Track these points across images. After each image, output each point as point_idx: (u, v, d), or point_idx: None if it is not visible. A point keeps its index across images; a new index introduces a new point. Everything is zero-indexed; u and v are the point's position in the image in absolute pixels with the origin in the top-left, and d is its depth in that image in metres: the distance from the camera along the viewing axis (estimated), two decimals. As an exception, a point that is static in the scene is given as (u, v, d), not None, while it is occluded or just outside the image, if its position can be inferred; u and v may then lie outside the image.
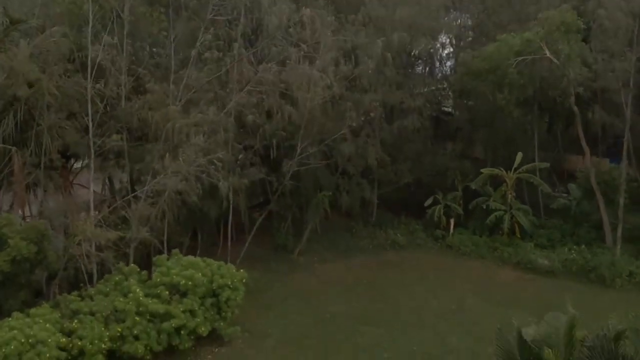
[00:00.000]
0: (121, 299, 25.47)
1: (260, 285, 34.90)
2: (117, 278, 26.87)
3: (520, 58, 34.55)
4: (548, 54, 34.53)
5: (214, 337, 29.61)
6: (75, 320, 23.99)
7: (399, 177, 41.17)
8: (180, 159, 24.80)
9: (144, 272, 27.64)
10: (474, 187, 41.25)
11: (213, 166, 25.36)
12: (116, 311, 25.26)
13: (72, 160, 34.51)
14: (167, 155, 25.23)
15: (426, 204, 42.67)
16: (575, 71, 34.88)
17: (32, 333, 21.67)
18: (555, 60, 34.66)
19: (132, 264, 27.52)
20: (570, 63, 34.46)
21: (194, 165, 25.16)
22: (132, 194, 27.26)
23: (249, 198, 39.03)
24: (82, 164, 32.62)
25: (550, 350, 11.73)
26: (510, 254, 38.01)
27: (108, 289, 26.42)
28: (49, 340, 21.86)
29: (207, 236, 36.70)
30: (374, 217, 44.20)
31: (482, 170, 40.24)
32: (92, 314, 24.74)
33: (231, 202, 32.22)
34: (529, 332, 12.83)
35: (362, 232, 42.68)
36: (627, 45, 34.53)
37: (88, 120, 26.46)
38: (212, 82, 29.04)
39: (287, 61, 29.42)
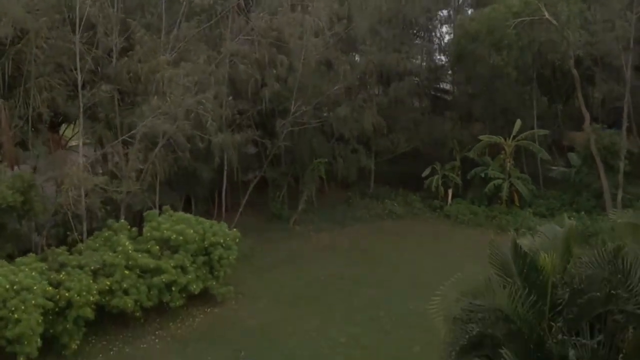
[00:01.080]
0: (110, 254, 24.93)
1: (255, 252, 34.44)
2: (106, 234, 26.35)
3: (518, 19, 33.94)
4: (547, 15, 33.92)
5: (206, 297, 29.16)
6: (63, 272, 23.42)
7: (395, 146, 40.56)
8: (169, 98, 24.17)
9: (134, 229, 27.10)
10: (472, 156, 40.71)
11: (202, 106, 24.69)
12: (105, 265, 24.71)
13: (63, 127, 34.06)
14: (155, 97, 24.62)
15: (424, 174, 42.13)
16: (575, 34, 34.26)
17: (17, 280, 21.11)
18: (554, 22, 34.04)
19: (122, 220, 26.93)
20: (570, 25, 33.83)
21: (183, 106, 24.48)
22: (122, 137, 26.58)
23: (244, 171, 38.61)
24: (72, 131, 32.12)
25: (545, 255, 11.21)
26: (509, 221, 37.46)
27: (97, 245, 25.88)
28: (35, 287, 21.29)
29: (200, 203, 36.19)
30: (371, 189, 43.75)
31: (480, 137, 39.66)
32: (81, 267, 24.17)
33: (225, 166, 31.69)
34: (524, 243, 12.30)
35: (359, 204, 42.27)
36: (627, 5, 33.91)
37: (77, 73, 25.89)
38: (203, 32, 28.41)
39: (279, 8, 28.71)
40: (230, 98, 30.33)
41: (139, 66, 26.13)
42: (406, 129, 41.45)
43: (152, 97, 26.53)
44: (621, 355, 10.71)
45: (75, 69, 26.27)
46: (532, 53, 37.31)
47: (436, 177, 41.42)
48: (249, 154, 36.89)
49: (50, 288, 21.97)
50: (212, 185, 35.17)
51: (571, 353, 10.27)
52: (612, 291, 10.61)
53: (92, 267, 24.28)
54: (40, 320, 21.37)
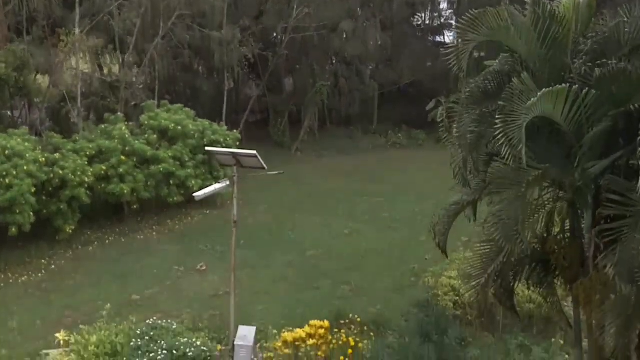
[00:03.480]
0: (107, 141, 24.18)
1: (255, 172, 33.66)
2: (103, 126, 25.55)
3: None
4: None
5: (206, 201, 28.44)
6: (58, 154, 22.66)
7: (400, 76, 39.69)
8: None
9: (132, 123, 26.32)
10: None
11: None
12: (101, 153, 23.98)
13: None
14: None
15: (428, 107, 41.10)
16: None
17: (8, 145, 20.36)
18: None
19: (120, 114, 26.10)
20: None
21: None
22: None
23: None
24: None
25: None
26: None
27: (93, 136, 25.05)
28: (28, 155, 20.54)
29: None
30: (374, 126, 42.86)
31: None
32: (76, 151, 23.39)
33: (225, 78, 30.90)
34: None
35: (363, 138, 41.43)
36: None
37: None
38: None
39: None
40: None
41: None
42: (410, 59, 40.36)
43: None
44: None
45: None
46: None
47: (441, 108, 40.45)
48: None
49: (43, 159, 21.20)
50: (214, 104, 34.34)
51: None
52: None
53: (88, 153, 23.53)
54: (32, 190, 20.61)
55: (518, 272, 10.99)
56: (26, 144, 21.11)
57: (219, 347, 14.01)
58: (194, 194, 15.09)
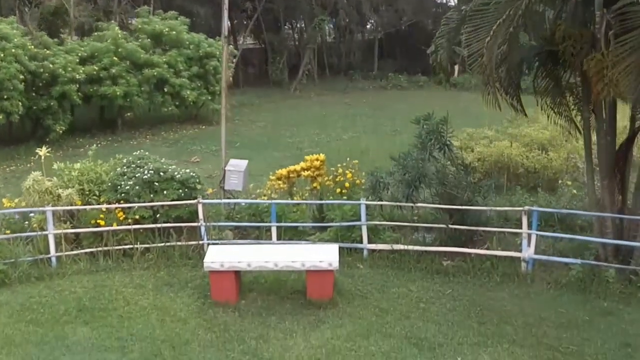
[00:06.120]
0: (99, 43, 23.53)
1: (254, 104, 33.14)
2: (95, 33, 24.90)
3: None
4: None
5: (202, 117, 27.99)
6: (47, 50, 22.00)
7: (401, 17, 38.99)
8: None
9: (126, 33, 25.64)
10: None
11: None
12: (93, 56, 23.33)
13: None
14: None
15: (429, 50, 40.45)
16: None
17: (-7, 28, 19.74)
18: None
19: (114, 23, 25.43)
20: None
21: None
22: None
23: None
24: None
25: None
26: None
27: (86, 44, 24.39)
28: (15, 40, 19.89)
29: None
30: (375, 70, 42.19)
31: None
32: (67, 52, 22.75)
33: None
34: None
35: (363, 82, 40.80)
36: None
37: None
38: None
39: None
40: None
41: None
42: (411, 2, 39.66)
43: None
44: None
45: None
46: None
47: (442, 51, 39.75)
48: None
49: (32, 47, 20.55)
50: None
51: None
52: None
53: (79, 54, 22.89)
54: (21, 78, 19.97)
55: (524, 60, 10.35)
56: (14, 31, 20.43)
57: (210, 190, 13.38)
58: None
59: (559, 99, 10.89)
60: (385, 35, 41.81)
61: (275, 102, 33.64)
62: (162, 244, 11.35)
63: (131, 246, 11.29)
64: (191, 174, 12.17)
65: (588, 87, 10.03)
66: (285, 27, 38.10)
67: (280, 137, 24.35)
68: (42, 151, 11.92)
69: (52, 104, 21.45)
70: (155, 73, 23.56)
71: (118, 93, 22.79)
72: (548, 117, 11.23)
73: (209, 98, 26.07)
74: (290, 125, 26.82)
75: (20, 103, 20.10)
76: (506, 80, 10.52)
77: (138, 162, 12.30)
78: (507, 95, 10.75)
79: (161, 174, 11.84)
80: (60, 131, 22.03)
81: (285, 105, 32.88)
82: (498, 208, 11.79)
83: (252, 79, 39.26)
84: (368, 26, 39.39)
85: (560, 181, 13.85)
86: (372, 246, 11.31)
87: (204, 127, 26.69)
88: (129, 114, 24.26)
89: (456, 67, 40.12)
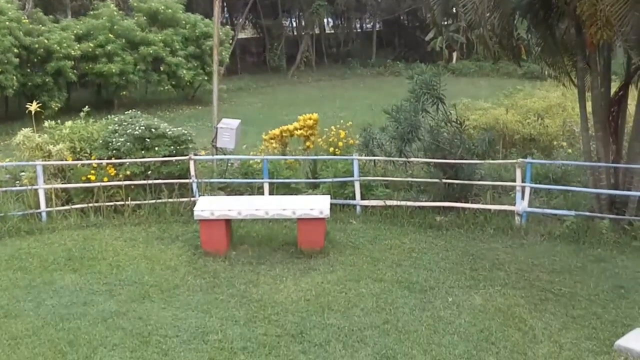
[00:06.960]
0: (94, 20, 23.44)
1: (250, 88, 33.11)
2: (92, 12, 24.78)
3: None
4: None
5: (198, 98, 27.91)
6: (42, 26, 21.91)
7: (399, 2, 38.87)
8: None
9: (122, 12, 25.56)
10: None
11: None
12: (89, 35, 23.21)
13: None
14: None
15: (427, 37, 40.43)
16: None
17: (-12, 0, 19.65)
18: None
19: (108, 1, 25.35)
20: None
21: None
22: None
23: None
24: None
25: None
26: (516, 68, 35.79)
27: (82, 22, 24.28)
28: (10, 13, 19.81)
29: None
30: (372, 59, 42.10)
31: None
32: (63, 29, 22.65)
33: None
34: None
35: (361, 69, 40.74)
36: None
37: None
38: None
39: None
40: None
41: None
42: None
43: None
44: None
45: None
46: None
47: (440, 38, 39.64)
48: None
49: (26, 21, 20.44)
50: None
51: None
52: None
53: (74, 31, 22.78)
54: (16, 51, 19.86)
55: (517, 8, 10.25)
56: (9, 5, 20.34)
57: (203, 151, 13.29)
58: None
59: (553, 49, 10.77)
60: (384, 25, 41.69)
61: (273, 86, 33.66)
62: (154, 201, 11.26)
63: (122, 202, 11.20)
64: (183, 131, 12.07)
65: (582, 37, 9.93)
66: (284, 14, 37.83)
67: (276, 114, 24.26)
68: (33, 106, 11.80)
69: (47, 80, 21.36)
70: (151, 51, 23.46)
71: (114, 70, 22.68)
72: (542, 69, 11.10)
73: (205, 79, 25.93)
74: (286, 105, 26.77)
75: (14, 78, 19.97)
76: (499, 28, 10.39)
77: (130, 120, 12.20)
78: (500, 46, 10.62)
79: (152, 130, 11.76)
80: (56, 108, 21.89)
81: (282, 89, 32.88)
82: (492, 161, 11.68)
83: (251, 67, 39.30)
84: (366, 14, 39.06)
85: (555, 143, 13.73)
86: (365, 202, 11.22)
87: (200, 107, 26.64)
88: (124, 92, 24.10)
89: (454, 54, 40.17)
